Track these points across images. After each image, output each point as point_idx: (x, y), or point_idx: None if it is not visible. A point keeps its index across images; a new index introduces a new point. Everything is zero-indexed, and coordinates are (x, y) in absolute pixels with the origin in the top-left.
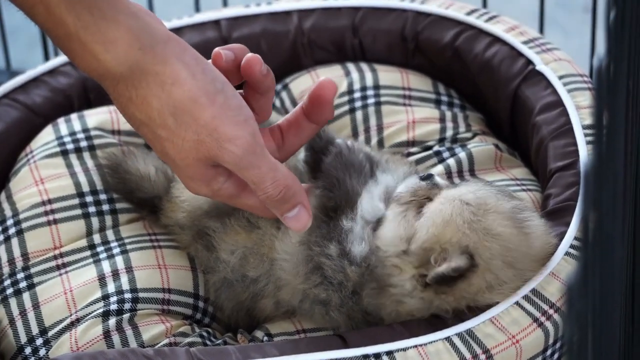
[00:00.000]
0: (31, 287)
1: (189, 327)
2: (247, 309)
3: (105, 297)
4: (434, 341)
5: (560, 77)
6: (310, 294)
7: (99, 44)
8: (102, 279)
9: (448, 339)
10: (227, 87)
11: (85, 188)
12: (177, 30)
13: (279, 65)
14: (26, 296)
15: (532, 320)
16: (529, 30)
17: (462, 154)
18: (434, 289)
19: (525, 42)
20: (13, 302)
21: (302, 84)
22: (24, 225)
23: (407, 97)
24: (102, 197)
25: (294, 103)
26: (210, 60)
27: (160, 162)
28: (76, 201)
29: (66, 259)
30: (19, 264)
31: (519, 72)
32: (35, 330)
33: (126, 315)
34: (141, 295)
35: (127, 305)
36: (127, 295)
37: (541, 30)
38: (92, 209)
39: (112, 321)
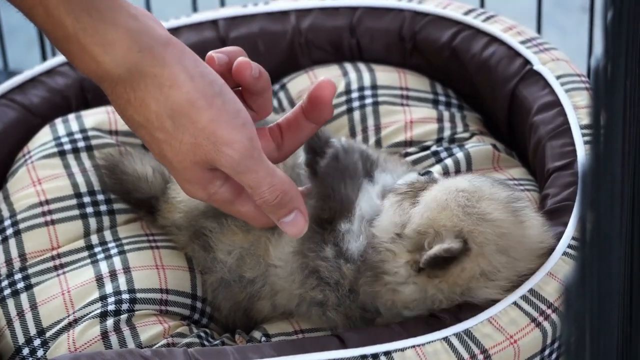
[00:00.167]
0: (29, 287)
1: (187, 327)
2: (245, 310)
3: (103, 298)
4: (432, 341)
5: (558, 77)
6: (307, 297)
7: (97, 46)
8: (99, 280)
9: (446, 339)
10: (225, 91)
11: (83, 189)
12: (175, 30)
13: (276, 65)
14: (24, 297)
15: (530, 320)
16: (527, 30)
17: (459, 154)
18: (427, 272)
19: (522, 42)
20: (11, 302)
21: (300, 84)
22: (22, 225)
23: (404, 97)
24: (100, 197)
25: (291, 103)
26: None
27: (157, 162)
28: (74, 202)
29: (64, 260)
30: (17, 264)
31: (516, 72)
32: (33, 330)
33: (124, 316)
34: (139, 295)
35: (124, 306)
36: (125, 296)
37: (539, 29)
38: (89, 210)
39: (109, 322)
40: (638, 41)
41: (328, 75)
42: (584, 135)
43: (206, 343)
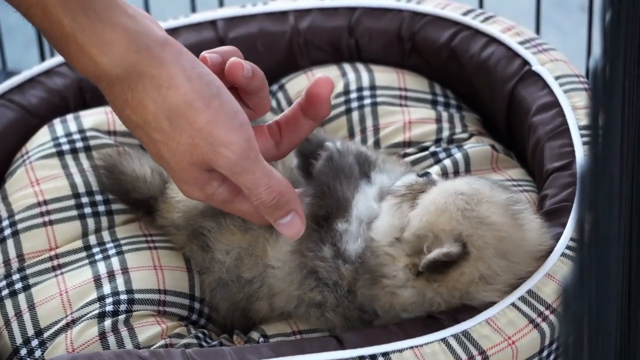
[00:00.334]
0: (27, 288)
1: (185, 328)
2: (243, 310)
3: (101, 299)
4: (430, 342)
5: (557, 78)
6: (305, 299)
7: (95, 47)
8: (97, 280)
9: (444, 340)
10: (223, 92)
11: (81, 189)
12: (174, 31)
13: (275, 65)
14: (22, 297)
15: (528, 322)
16: (526, 30)
17: (458, 155)
18: (426, 277)
19: (521, 43)
20: (8, 303)
21: (299, 84)
22: (20, 226)
23: (403, 97)
24: (98, 198)
25: (290, 103)
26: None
27: (155, 163)
28: (72, 202)
29: (62, 260)
30: (15, 265)
31: (515, 73)
32: (30, 331)
33: (122, 317)
34: (137, 296)
35: (122, 307)
36: (123, 297)
37: (538, 29)
38: (87, 210)
39: (107, 322)
40: (636, 42)
41: (327, 75)
42: (582, 136)
43: (204, 344)
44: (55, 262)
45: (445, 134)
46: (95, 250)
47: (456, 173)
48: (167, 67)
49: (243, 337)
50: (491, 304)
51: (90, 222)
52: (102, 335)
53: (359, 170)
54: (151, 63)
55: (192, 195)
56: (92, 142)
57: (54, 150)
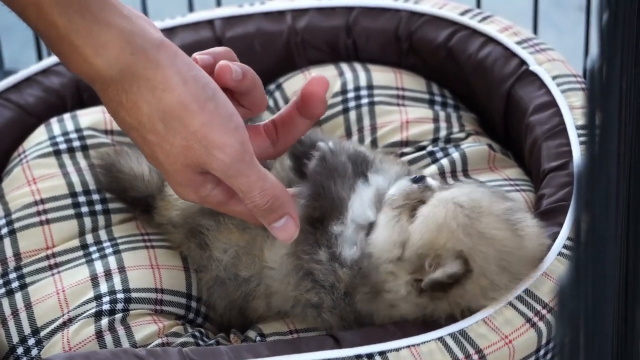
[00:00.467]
0: (23, 287)
1: (182, 327)
2: (240, 308)
3: (98, 297)
4: (427, 341)
5: (554, 78)
6: (302, 299)
7: (90, 47)
8: (94, 279)
9: (441, 339)
10: (218, 94)
11: (78, 188)
12: (171, 30)
13: (272, 65)
14: (18, 296)
15: (525, 321)
16: (523, 30)
17: (455, 154)
18: (429, 294)
19: (518, 43)
20: (5, 302)
21: (296, 84)
22: (16, 225)
23: (400, 97)
24: (95, 197)
25: (287, 103)
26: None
27: None
28: (69, 201)
29: (58, 259)
30: (11, 264)
31: (512, 73)
32: (27, 330)
33: (118, 316)
34: (134, 295)
35: (119, 306)
36: (120, 296)
37: (535, 29)
38: (84, 209)
39: (104, 321)
40: (633, 42)
41: (324, 75)
42: (579, 135)
43: (201, 342)
44: (52, 261)
45: (443, 133)
46: (92, 249)
47: (453, 172)
48: (162, 69)
49: (240, 336)
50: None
51: (87, 221)
52: (99, 334)
53: (355, 169)
54: (146, 65)
55: (186, 197)
56: (89, 141)
57: (50, 149)
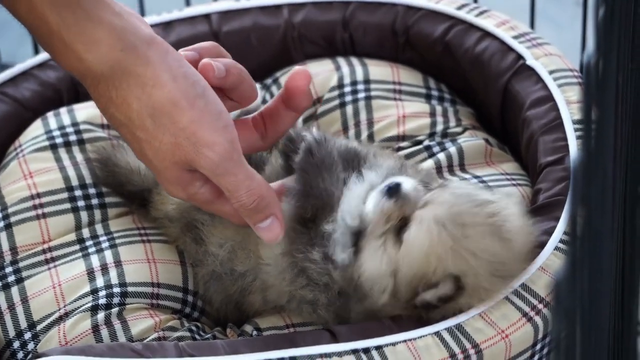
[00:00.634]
0: (20, 281)
1: (178, 321)
2: (236, 303)
3: (94, 292)
4: (424, 336)
5: (551, 72)
6: (297, 295)
7: (81, 44)
8: (90, 273)
9: (437, 333)
10: (208, 92)
11: (74, 182)
12: (168, 24)
13: (269, 59)
14: (14, 290)
15: (522, 315)
16: (520, 24)
17: (452, 149)
18: (423, 311)
19: (515, 37)
20: (1, 296)
21: None
22: (13, 219)
23: (397, 91)
24: (91, 191)
25: None
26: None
27: None
28: (65, 195)
29: (55, 253)
30: (8, 258)
31: (509, 67)
32: (23, 324)
33: (115, 310)
34: (130, 289)
35: (115, 300)
36: (116, 290)
37: (532, 23)
38: (81, 203)
39: (100, 315)
40: (629, 37)
41: (321, 69)
42: (576, 130)
43: (197, 337)
44: (48, 255)
45: (439, 128)
46: (89, 243)
47: (450, 167)
48: (152, 65)
49: (236, 330)
50: None
51: (84, 215)
52: (95, 328)
53: (346, 166)
54: (136, 61)
55: (175, 194)
56: (85, 136)
57: (47, 143)
